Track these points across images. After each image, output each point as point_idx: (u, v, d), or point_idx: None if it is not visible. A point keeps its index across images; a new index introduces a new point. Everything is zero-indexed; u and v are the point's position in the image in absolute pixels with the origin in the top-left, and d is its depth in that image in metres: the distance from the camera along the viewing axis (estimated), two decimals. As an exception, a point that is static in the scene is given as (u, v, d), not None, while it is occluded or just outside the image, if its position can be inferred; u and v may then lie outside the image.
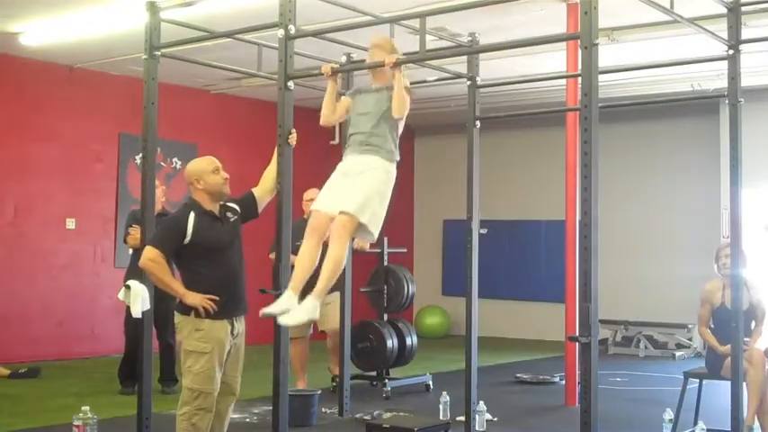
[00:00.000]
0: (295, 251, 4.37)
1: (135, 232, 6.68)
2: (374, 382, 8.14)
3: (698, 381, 6.21)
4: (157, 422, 5.22)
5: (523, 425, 6.98)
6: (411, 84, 4.45)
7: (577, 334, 3.55)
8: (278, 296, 4.29)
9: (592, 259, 3.54)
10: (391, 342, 8.04)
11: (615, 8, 7.16)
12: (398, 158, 4.41)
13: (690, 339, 11.47)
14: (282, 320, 4.15)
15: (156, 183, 5.38)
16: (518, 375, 9.17)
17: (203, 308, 4.33)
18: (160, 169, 10.15)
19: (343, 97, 4.65)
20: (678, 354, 11.17)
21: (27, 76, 9.80)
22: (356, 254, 7.15)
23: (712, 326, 6.08)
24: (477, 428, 6.10)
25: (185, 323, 4.42)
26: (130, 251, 7.27)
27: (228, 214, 4.58)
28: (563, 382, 8.05)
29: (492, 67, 8.20)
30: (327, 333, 7.53)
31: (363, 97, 4.48)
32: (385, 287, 8.25)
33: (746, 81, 5.51)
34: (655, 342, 11.59)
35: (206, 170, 4.53)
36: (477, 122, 5.87)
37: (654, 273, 12.09)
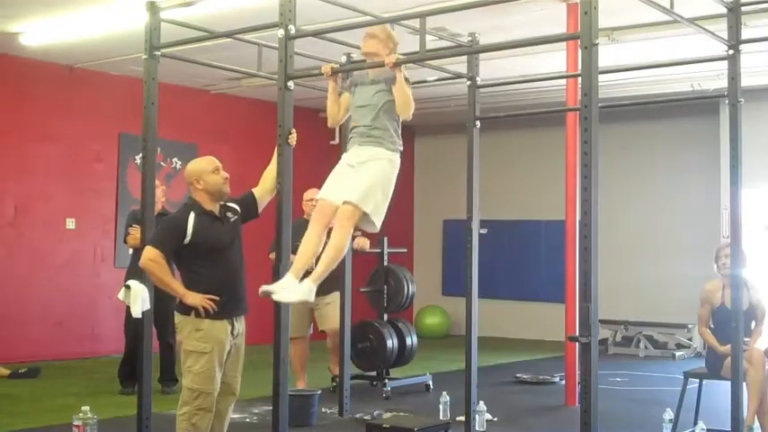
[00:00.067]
0: (295, 251, 4.39)
1: (135, 232, 6.67)
2: (374, 382, 8.14)
3: (698, 381, 6.21)
4: (157, 422, 5.22)
5: (523, 425, 6.98)
6: (411, 84, 4.46)
7: (577, 334, 3.55)
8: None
9: (592, 259, 3.54)
10: (391, 342, 8.04)
11: (615, 8, 7.16)
12: (401, 148, 4.46)
13: (690, 339, 11.47)
14: (277, 296, 4.19)
15: (156, 183, 5.38)
16: (518, 375, 9.17)
17: (203, 308, 4.33)
18: (160, 169, 10.15)
19: (343, 94, 4.66)
20: (678, 354, 11.17)
21: (27, 76, 9.80)
22: (356, 254, 7.16)
23: (712, 326, 6.08)
24: (477, 428, 6.10)
25: (185, 323, 4.42)
26: (130, 251, 7.28)
27: (229, 214, 4.59)
28: (563, 382, 8.05)
29: (492, 67, 8.20)
30: (327, 333, 7.53)
31: (361, 89, 4.51)
32: (385, 287, 8.25)
33: (746, 81, 5.51)
34: (655, 342, 11.58)
35: (206, 170, 4.53)
36: (477, 122, 5.87)
37: (654, 273, 12.08)
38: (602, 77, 3.83)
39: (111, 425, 6.12)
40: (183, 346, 4.45)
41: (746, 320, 5.75)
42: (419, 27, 4.38)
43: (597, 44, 3.60)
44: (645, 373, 9.72)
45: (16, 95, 9.76)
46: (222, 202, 4.58)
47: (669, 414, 5.96)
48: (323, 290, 6.37)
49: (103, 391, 7.75)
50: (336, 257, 4.28)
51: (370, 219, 4.31)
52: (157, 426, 5.16)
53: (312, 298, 4.26)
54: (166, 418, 5.62)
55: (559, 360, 8.58)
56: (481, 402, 6.23)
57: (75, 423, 5.26)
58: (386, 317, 8.24)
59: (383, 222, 4.42)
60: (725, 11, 5.14)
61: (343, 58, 6.40)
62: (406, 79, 4.30)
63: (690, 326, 11.11)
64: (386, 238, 8.22)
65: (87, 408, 5.32)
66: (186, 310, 4.40)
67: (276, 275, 4.40)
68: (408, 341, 8.25)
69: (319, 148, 7.23)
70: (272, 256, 4.74)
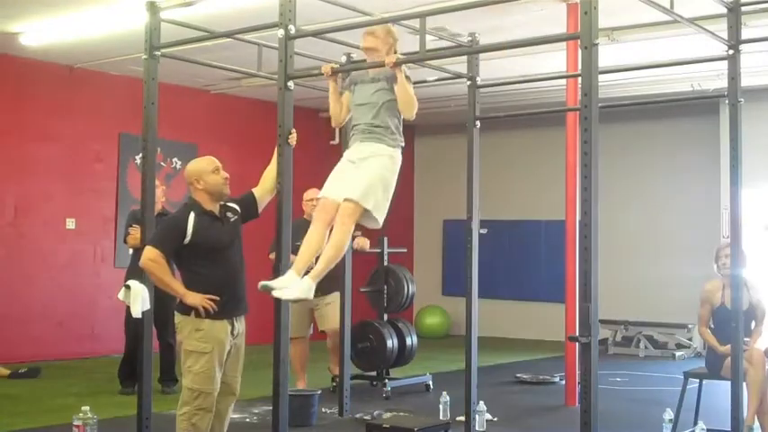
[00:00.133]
0: (295, 251, 4.39)
1: (135, 232, 6.67)
2: (374, 382, 8.14)
3: (698, 381, 6.21)
4: (157, 422, 5.22)
5: (523, 425, 6.98)
6: (412, 83, 4.46)
7: (577, 334, 3.55)
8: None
9: (592, 259, 3.54)
10: (391, 342, 8.04)
11: (615, 8, 7.16)
12: (403, 144, 4.46)
13: (690, 339, 11.47)
14: (276, 294, 4.19)
15: (156, 183, 5.38)
16: (518, 375, 9.17)
17: (203, 308, 4.33)
18: (160, 169, 10.15)
19: (344, 94, 4.66)
20: (678, 354, 11.17)
21: (27, 76, 9.80)
22: (356, 254, 7.16)
23: (712, 326, 6.08)
24: (477, 428, 6.10)
25: (185, 323, 4.42)
26: (130, 251, 7.28)
27: (229, 214, 4.59)
28: (563, 382, 8.05)
29: (492, 67, 8.20)
30: (327, 333, 7.53)
31: (360, 88, 4.52)
32: (385, 287, 8.25)
33: (746, 81, 5.51)
34: (655, 342, 11.58)
35: (206, 170, 4.53)
36: (477, 122, 5.87)
37: (654, 273, 12.08)
38: (602, 77, 3.83)
39: (111, 425, 6.12)
40: (183, 346, 4.45)
41: (746, 320, 5.75)
42: (419, 27, 4.38)
43: (597, 44, 3.60)
44: (645, 373, 9.72)
45: (16, 95, 9.76)
46: (222, 202, 4.58)
47: (669, 414, 5.96)
48: (323, 290, 6.41)
49: (103, 391, 7.76)
50: (336, 256, 4.28)
51: (371, 215, 4.32)
52: (157, 426, 5.16)
53: (311, 296, 4.26)
54: (166, 418, 5.62)
55: (559, 360, 8.58)
56: (481, 402, 6.23)
57: (75, 423, 5.26)
58: (386, 317, 8.24)
59: (384, 220, 4.43)
60: (725, 11, 5.14)
61: (343, 58, 6.40)
62: (407, 78, 4.30)
63: (690, 326, 11.11)
64: (386, 238, 8.22)
65: (87, 408, 5.32)
66: (186, 310, 4.40)
67: (276, 275, 4.40)
68: (408, 341, 8.25)
69: (319, 148, 7.24)
70: (272, 256, 4.74)
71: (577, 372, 5.93)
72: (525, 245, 13.47)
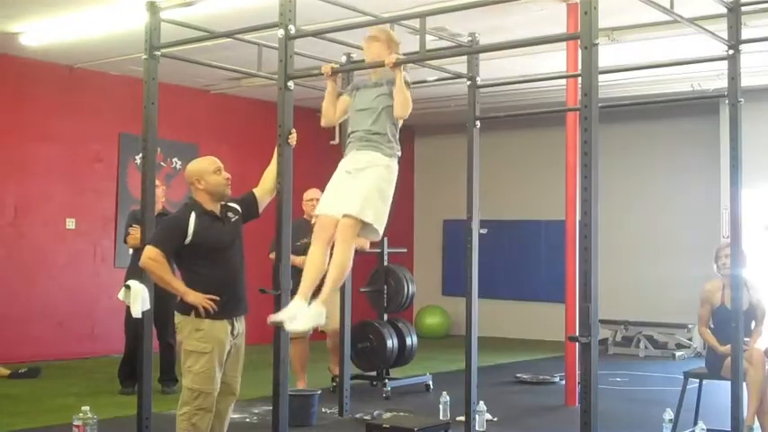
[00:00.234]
0: (295, 251, 4.38)
1: (135, 232, 6.67)
2: (374, 382, 8.14)
3: (698, 381, 6.20)
4: (157, 422, 5.22)
5: (523, 425, 6.98)
6: (411, 83, 4.45)
7: (577, 334, 3.55)
8: (278, 296, 4.30)
9: (592, 259, 3.54)
10: (391, 342, 8.04)
11: (615, 8, 7.16)
12: (399, 153, 4.43)
13: (690, 339, 11.47)
14: (289, 326, 4.17)
15: (157, 183, 5.38)
16: (518, 375, 9.17)
17: (203, 308, 4.33)
18: (160, 169, 10.14)
19: (342, 96, 4.64)
20: (678, 354, 11.17)
21: (27, 76, 9.80)
22: (356, 254, 7.15)
23: (712, 326, 6.08)
24: (477, 428, 6.10)
25: (185, 323, 4.42)
26: (130, 251, 7.28)
27: (229, 214, 4.58)
28: (563, 382, 8.05)
29: (492, 67, 8.20)
30: (327, 333, 7.52)
31: (362, 93, 4.48)
32: (385, 287, 8.25)
33: (746, 81, 5.51)
34: (655, 342, 11.58)
35: (207, 170, 4.53)
36: (477, 122, 5.88)
37: (654, 273, 12.08)
38: (602, 77, 3.83)
39: (111, 425, 6.12)
40: (183, 346, 4.45)
41: (746, 320, 5.75)
42: (419, 27, 4.38)
43: (597, 44, 3.60)
44: (645, 373, 9.72)
45: (16, 95, 9.76)
46: (223, 202, 4.58)
47: (669, 414, 5.96)
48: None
49: (103, 391, 7.75)
50: (342, 276, 4.25)
51: (372, 227, 4.28)
52: (157, 426, 5.17)
53: (323, 321, 4.23)
54: (166, 418, 5.62)
55: (559, 360, 8.58)
56: (481, 402, 6.23)
57: (75, 423, 5.26)
58: (386, 317, 8.24)
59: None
60: (725, 11, 5.14)
61: (343, 58, 6.40)
62: (406, 82, 4.28)
63: (690, 326, 11.10)
64: (386, 238, 8.21)
65: (87, 408, 5.32)
66: (186, 309, 4.40)
67: (276, 275, 4.41)
68: (408, 341, 8.25)
69: (319, 148, 7.22)
70: (272, 255, 4.74)
71: (577, 372, 5.93)
72: (525, 245, 13.47)
